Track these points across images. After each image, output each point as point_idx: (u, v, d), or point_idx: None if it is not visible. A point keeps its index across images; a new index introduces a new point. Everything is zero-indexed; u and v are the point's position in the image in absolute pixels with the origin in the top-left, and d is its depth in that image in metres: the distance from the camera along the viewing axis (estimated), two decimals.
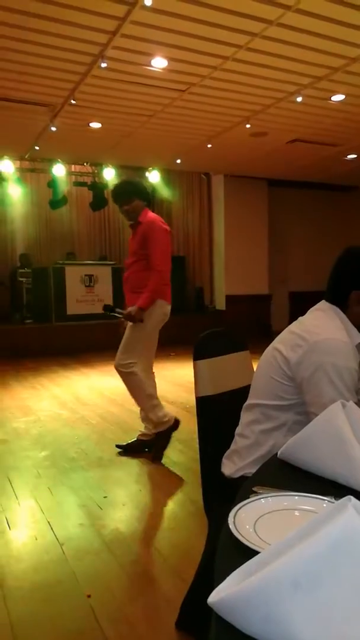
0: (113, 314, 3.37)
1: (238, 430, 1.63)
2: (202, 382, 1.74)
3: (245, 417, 1.61)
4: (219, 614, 0.52)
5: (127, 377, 3.29)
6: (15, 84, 5.09)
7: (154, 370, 3.47)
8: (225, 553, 0.64)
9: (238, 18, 3.84)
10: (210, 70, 4.79)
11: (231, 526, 0.67)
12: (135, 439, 3.51)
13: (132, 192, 3.29)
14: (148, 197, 3.39)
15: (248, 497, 0.79)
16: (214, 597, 0.53)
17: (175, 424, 3.39)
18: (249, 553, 0.63)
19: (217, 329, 1.90)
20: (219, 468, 1.67)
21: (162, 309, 3.25)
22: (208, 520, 1.73)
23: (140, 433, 3.51)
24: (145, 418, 3.42)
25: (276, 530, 0.69)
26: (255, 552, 0.63)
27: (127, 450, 3.47)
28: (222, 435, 1.70)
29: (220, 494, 1.66)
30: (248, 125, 6.32)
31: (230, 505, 1.56)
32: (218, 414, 1.75)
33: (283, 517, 0.74)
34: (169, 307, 3.31)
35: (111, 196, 3.43)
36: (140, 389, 3.29)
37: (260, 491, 0.84)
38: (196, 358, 1.75)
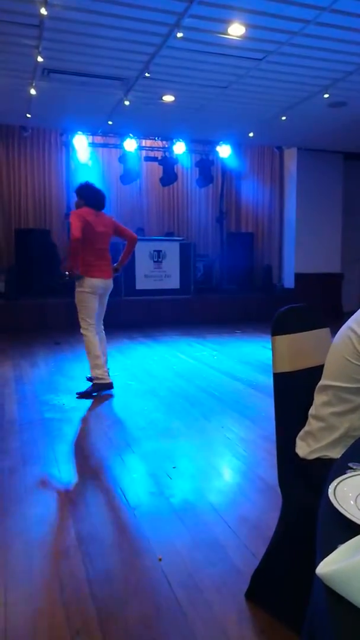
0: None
1: (311, 411, 1.58)
2: (281, 358, 1.71)
3: (318, 398, 1.55)
4: (328, 584, 0.51)
5: (83, 338, 4.22)
6: (90, 58, 5.13)
7: (105, 337, 4.43)
8: (327, 526, 0.63)
9: None
10: (290, 36, 4.58)
11: (332, 500, 0.65)
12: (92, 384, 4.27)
13: (78, 193, 4.29)
14: (90, 202, 4.22)
15: (345, 473, 0.76)
16: (322, 569, 0.52)
17: (108, 386, 4.26)
18: (353, 527, 0.61)
19: (296, 304, 1.85)
20: (294, 445, 1.65)
21: (88, 282, 4.15)
22: (283, 498, 1.72)
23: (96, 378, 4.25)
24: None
25: None
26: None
27: (85, 394, 4.21)
28: (298, 412, 1.66)
29: (295, 473, 1.64)
30: (326, 95, 6.02)
31: (306, 485, 1.55)
32: (295, 391, 1.71)
33: None
34: (95, 281, 4.17)
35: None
36: (88, 349, 4.23)
37: (355, 467, 0.81)
38: (275, 333, 1.72)
